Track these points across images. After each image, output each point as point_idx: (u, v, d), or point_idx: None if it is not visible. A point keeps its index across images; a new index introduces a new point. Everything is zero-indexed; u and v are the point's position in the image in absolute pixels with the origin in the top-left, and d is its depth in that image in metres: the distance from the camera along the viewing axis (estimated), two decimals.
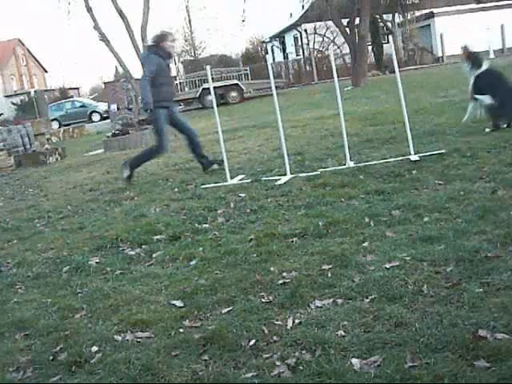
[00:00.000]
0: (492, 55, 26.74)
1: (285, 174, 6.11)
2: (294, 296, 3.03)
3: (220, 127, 6.77)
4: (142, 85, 6.80)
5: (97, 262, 4.19)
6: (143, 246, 4.42)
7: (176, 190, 6.39)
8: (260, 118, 13.29)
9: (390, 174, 5.34)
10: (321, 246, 3.75)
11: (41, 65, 57.31)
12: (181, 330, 2.87)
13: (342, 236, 3.89)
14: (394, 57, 6.53)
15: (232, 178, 6.43)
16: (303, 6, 30.96)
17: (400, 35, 31.71)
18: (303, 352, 2.47)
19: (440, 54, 30.36)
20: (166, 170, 8.06)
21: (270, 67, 6.99)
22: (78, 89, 49.74)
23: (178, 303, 3.20)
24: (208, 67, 6.98)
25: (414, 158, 5.77)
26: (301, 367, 2.36)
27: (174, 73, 34.28)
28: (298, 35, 35.40)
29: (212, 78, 6.88)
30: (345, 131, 6.29)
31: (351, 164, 6.00)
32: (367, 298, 2.88)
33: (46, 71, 58.23)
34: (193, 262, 3.86)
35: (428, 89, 13.63)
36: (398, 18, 31.92)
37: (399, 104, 6.30)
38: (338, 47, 29.77)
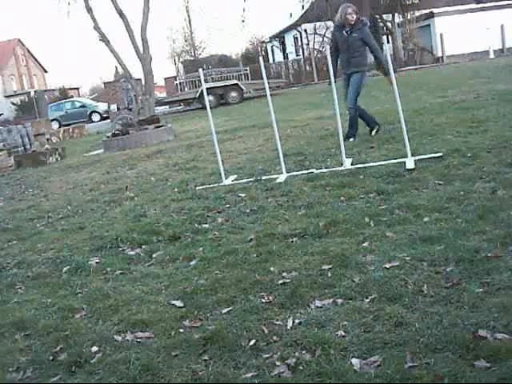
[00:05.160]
0: (492, 55, 26.80)
1: (281, 173, 6.16)
2: (293, 296, 3.03)
3: (214, 128, 6.75)
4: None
5: (97, 262, 4.19)
6: (143, 246, 4.42)
7: (176, 189, 6.39)
8: (260, 118, 13.28)
9: (389, 174, 5.34)
10: (321, 246, 3.75)
11: (41, 65, 57.31)
12: (181, 330, 2.87)
13: (342, 236, 3.88)
14: (389, 58, 6.48)
15: (229, 177, 6.44)
16: (303, 6, 31.01)
17: (400, 35, 31.72)
18: (303, 352, 2.47)
19: (440, 54, 30.38)
20: (166, 169, 8.06)
21: (263, 68, 6.79)
22: (78, 89, 49.80)
23: (178, 303, 3.20)
24: (201, 70, 6.98)
25: (409, 165, 5.48)
26: (301, 367, 2.36)
27: (173, 73, 34.33)
28: (298, 35, 35.44)
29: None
30: (341, 131, 6.26)
31: (349, 164, 5.99)
32: (367, 297, 2.88)
33: (45, 71, 58.23)
34: (193, 262, 3.86)
35: (428, 89, 13.63)
36: (398, 18, 31.92)
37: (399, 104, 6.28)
38: None
